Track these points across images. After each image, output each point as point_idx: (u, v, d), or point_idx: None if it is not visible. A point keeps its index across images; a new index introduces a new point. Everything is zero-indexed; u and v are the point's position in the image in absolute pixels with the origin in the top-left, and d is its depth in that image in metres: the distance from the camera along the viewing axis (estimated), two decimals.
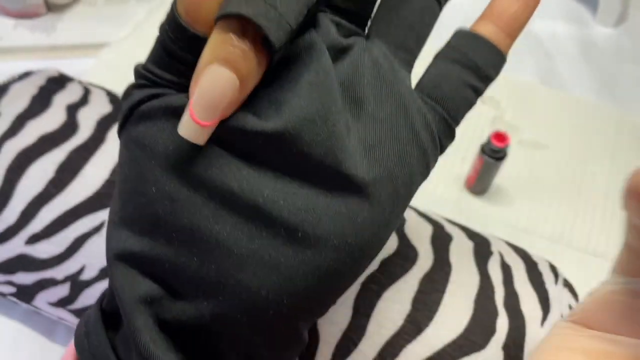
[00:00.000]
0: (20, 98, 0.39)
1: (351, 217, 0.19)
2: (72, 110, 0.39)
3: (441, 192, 0.53)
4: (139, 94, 0.20)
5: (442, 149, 0.23)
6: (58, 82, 0.42)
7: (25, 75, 0.42)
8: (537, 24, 0.73)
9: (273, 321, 0.19)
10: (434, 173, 0.64)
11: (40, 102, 0.39)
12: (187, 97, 0.18)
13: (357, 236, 0.19)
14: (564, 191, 0.54)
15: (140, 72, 0.20)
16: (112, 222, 0.21)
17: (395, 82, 0.21)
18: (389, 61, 0.21)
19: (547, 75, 0.67)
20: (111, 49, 0.63)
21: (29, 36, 0.65)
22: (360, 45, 0.21)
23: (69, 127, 0.38)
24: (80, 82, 0.43)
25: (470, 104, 0.23)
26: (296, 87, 0.19)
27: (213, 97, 0.17)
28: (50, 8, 0.68)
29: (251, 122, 0.18)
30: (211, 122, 0.17)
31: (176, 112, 0.19)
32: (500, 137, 0.48)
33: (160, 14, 0.68)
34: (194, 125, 0.17)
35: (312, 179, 0.19)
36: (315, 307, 0.21)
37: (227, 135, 0.18)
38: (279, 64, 0.19)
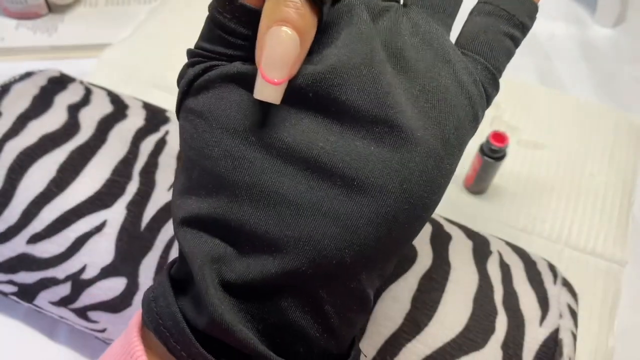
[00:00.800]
0: (21, 98, 0.40)
1: (403, 164, 0.20)
2: (74, 110, 0.39)
3: None
4: (194, 70, 0.22)
5: (488, 99, 0.23)
6: (59, 82, 0.42)
7: (27, 75, 0.42)
8: (535, 24, 0.73)
9: (337, 272, 0.20)
10: None
11: (41, 102, 0.39)
12: (241, 64, 0.21)
13: (412, 182, 0.20)
14: (563, 191, 0.54)
15: (193, 51, 0.22)
16: (178, 193, 0.22)
17: (434, 37, 0.22)
18: (426, 20, 0.22)
19: (545, 76, 0.67)
20: (112, 49, 0.63)
21: (31, 36, 0.65)
22: (397, 7, 0.22)
23: (71, 127, 0.38)
24: (81, 83, 0.43)
25: (509, 53, 0.23)
26: (339, 42, 0.20)
27: (280, 56, 0.18)
28: (52, 8, 0.68)
29: (300, 70, 0.20)
30: (284, 79, 0.19)
31: (232, 79, 0.21)
32: (499, 137, 0.48)
33: (161, 14, 0.68)
34: (268, 86, 0.19)
35: (362, 130, 0.20)
36: (378, 259, 0.21)
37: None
38: (322, 26, 0.20)
